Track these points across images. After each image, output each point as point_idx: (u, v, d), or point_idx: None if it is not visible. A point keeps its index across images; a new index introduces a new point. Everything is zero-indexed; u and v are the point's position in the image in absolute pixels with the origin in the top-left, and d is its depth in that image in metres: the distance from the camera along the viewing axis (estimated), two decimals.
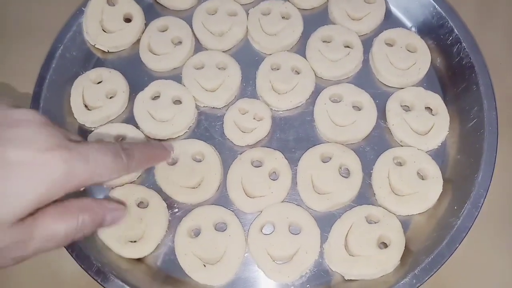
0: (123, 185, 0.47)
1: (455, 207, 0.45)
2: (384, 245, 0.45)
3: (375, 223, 0.45)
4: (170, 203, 0.47)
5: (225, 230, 0.45)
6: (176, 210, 0.48)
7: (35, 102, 0.50)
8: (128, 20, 0.56)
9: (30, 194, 0.31)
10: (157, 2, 0.58)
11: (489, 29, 0.57)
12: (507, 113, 0.51)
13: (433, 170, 0.47)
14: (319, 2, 0.57)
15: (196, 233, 0.46)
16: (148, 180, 0.49)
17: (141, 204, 0.47)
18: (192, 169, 0.48)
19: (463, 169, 0.48)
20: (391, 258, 0.43)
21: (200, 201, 0.47)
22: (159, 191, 0.47)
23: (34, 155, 0.31)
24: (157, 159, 0.46)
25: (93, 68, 0.54)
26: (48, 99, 0.51)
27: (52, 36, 0.54)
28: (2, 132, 0.32)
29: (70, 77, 0.53)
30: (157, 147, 0.47)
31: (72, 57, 0.54)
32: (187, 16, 0.56)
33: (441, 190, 0.46)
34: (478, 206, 0.44)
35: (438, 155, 0.50)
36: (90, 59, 0.55)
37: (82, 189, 0.37)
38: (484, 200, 0.45)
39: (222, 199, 0.48)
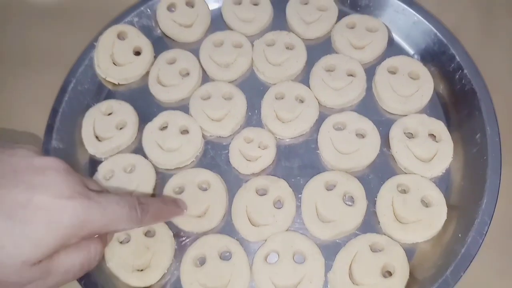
0: None
1: (460, 235, 0.45)
2: (389, 274, 0.45)
3: (380, 251, 0.46)
4: (176, 232, 0.48)
5: (230, 259, 0.46)
6: (183, 238, 0.49)
7: (48, 134, 0.52)
8: (137, 53, 0.58)
9: (50, 237, 0.34)
10: (166, 35, 0.60)
11: (492, 53, 0.57)
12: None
13: (437, 197, 0.47)
14: (322, 32, 0.59)
15: (202, 262, 0.46)
16: None
17: (148, 233, 0.48)
18: (198, 198, 0.49)
19: (468, 195, 0.48)
20: (395, 287, 0.43)
21: (205, 229, 0.48)
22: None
23: (57, 202, 0.34)
24: (170, 215, 0.47)
25: (104, 100, 0.56)
26: (60, 131, 0.52)
27: (65, 69, 0.56)
28: (30, 178, 0.35)
29: (82, 109, 0.55)
30: (171, 203, 0.48)
31: (84, 90, 0.56)
32: (194, 49, 0.58)
33: (445, 218, 0.46)
34: (482, 233, 0.44)
35: (443, 181, 0.50)
36: (101, 91, 0.57)
37: (96, 236, 0.40)
38: (488, 228, 0.44)
39: (227, 227, 0.49)
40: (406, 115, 0.53)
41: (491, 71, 0.54)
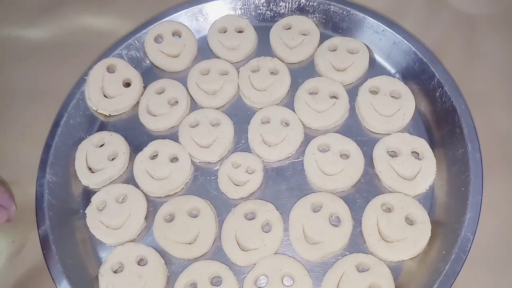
0: (124, 243, 0.50)
1: (444, 252, 0.46)
2: None
3: (366, 270, 0.46)
4: (168, 259, 0.50)
5: (220, 284, 0.47)
6: (175, 265, 0.50)
7: (42, 169, 0.53)
8: (127, 84, 0.60)
9: None
10: (155, 66, 0.62)
11: (474, 71, 0.59)
12: (495, 153, 0.52)
13: (421, 215, 0.48)
14: (305, 56, 0.60)
15: None
16: (147, 238, 0.51)
17: (141, 262, 0.49)
18: (188, 226, 0.50)
19: (452, 212, 0.49)
20: None
21: (196, 256, 0.49)
22: (158, 247, 0.50)
23: None
24: None
25: (97, 131, 0.58)
26: (54, 164, 0.54)
27: (57, 104, 0.58)
28: None
29: (75, 142, 0.56)
30: None
31: (76, 123, 0.57)
32: (182, 77, 0.60)
33: (430, 235, 0.47)
34: (466, 250, 0.45)
35: (427, 198, 0.51)
36: (93, 123, 0.59)
37: None
38: (471, 244, 0.45)
39: (217, 252, 0.50)
40: (389, 134, 0.54)
41: (473, 89, 0.55)
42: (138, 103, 0.59)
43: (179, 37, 0.62)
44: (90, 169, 0.55)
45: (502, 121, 0.55)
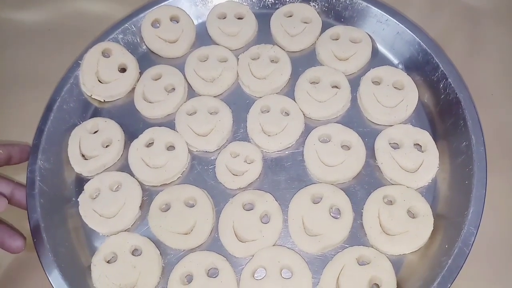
0: (117, 233, 0.48)
1: (446, 246, 0.45)
2: (376, 286, 0.45)
3: (367, 264, 0.45)
4: (163, 249, 0.48)
5: (217, 276, 0.46)
6: (170, 256, 0.48)
7: (34, 154, 0.52)
8: (123, 70, 0.58)
9: None
10: (151, 51, 0.60)
11: (478, 63, 0.58)
12: (499, 147, 0.51)
13: (423, 208, 0.47)
14: (306, 44, 0.59)
15: (189, 279, 0.46)
16: (142, 227, 0.50)
17: (135, 252, 0.48)
18: (185, 216, 0.48)
19: (454, 205, 0.48)
20: None
21: (192, 247, 0.48)
22: (153, 238, 0.48)
23: None
24: None
25: (91, 117, 0.56)
26: (46, 151, 0.52)
27: (50, 88, 0.56)
28: None
29: (68, 128, 0.55)
30: None
31: (69, 108, 0.56)
32: (179, 63, 0.58)
33: (432, 228, 0.46)
34: (469, 244, 0.44)
35: (429, 191, 0.50)
36: (87, 109, 0.57)
37: None
38: (475, 238, 0.44)
39: (214, 243, 0.48)
40: (391, 125, 0.52)
41: (477, 81, 0.54)
42: (133, 89, 0.57)
43: (177, 22, 0.61)
44: (83, 156, 0.53)
45: (505, 116, 0.54)
